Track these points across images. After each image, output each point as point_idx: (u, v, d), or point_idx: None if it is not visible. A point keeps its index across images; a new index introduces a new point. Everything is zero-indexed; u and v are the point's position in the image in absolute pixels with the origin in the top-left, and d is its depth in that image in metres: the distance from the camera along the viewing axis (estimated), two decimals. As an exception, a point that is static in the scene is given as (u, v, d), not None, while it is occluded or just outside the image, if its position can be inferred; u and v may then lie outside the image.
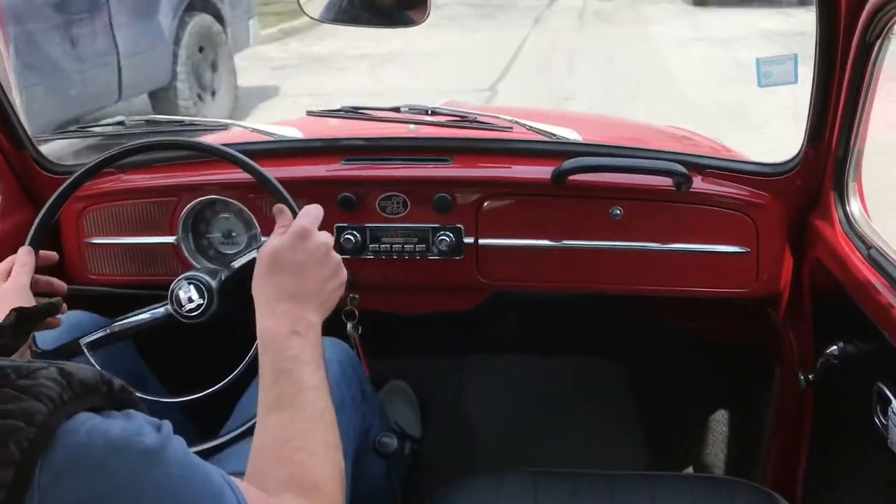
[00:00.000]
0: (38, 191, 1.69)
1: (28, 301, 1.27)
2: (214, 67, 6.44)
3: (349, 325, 1.70)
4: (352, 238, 1.61)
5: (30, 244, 1.34)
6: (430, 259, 1.64)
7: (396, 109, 1.70)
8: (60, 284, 1.36)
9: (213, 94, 6.46)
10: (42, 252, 1.35)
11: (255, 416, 1.24)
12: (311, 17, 1.47)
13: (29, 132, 1.68)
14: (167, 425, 0.75)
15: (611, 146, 1.70)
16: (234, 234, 1.68)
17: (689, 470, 1.97)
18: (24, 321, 1.12)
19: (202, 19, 6.24)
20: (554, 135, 1.67)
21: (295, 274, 1.08)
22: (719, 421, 1.92)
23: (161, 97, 5.97)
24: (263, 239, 1.32)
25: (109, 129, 1.68)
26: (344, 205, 1.60)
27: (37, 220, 1.36)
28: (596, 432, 2.12)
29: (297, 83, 7.79)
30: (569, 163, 1.54)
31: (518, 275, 1.64)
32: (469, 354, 2.31)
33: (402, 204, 1.62)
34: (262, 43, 9.30)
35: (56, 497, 0.65)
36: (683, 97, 6.52)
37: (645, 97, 6.74)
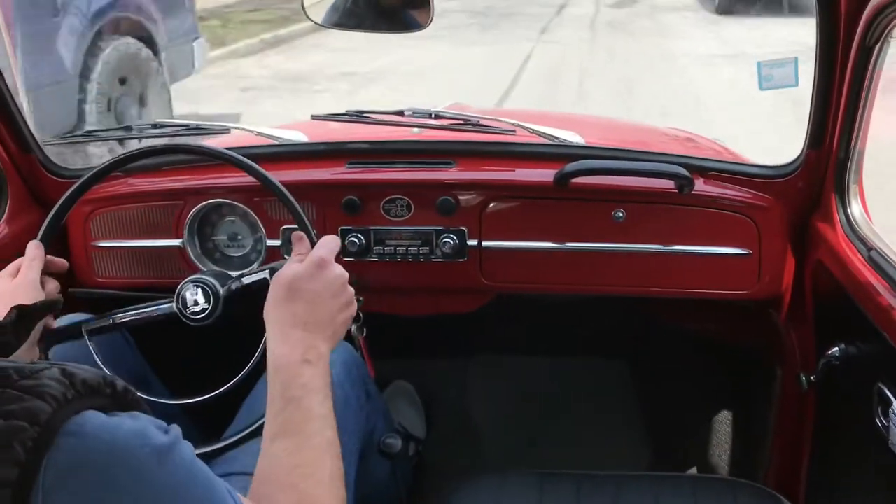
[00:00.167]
0: (45, 194, 1.70)
1: (37, 296, 1.28)
2: (143, 102, 5.12)
3: (353, 327, 1.71)
4: (356, 241, 1.62)
5: (40, 241, 1.35)
6: (434, 261, 1.65)
7: (400, 113, 1.71)
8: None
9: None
10: (52, 258, 1.37)
11: (260, 417, 1.26)
12: (315, 23, 1.48)
13: (36, 136, 1.70)
14: (176, 429, 0.75)
15: (613, 149, 1.70)
16: (239, 237, 1.69)
17: (693, 470, 1.97)
18: (25, 319, 1.13)
19: (124, 44, 4.87)
20: (557, 138, 1.68)
21: (310, 303, 1.10)
22: (722, 421, 1.92)
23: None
24: (282, 263, 1.33)
25: (116, 133, 1.69)
26: (348, 208, 1.61)
27: (47, 219, 1.38)
28: (599, 433, 2.13)
29: (262, 110, 6.71)
30: (571, 165, 1.54)
31: (521, 277, 1.65)
32: (473, 356, 2.32)
33: (406, 207, 1.63)
34: (241, 56, 9.06)
35: (61, 497, 0.65)
36: (724, 138, 4.95)
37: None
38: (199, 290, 1.37)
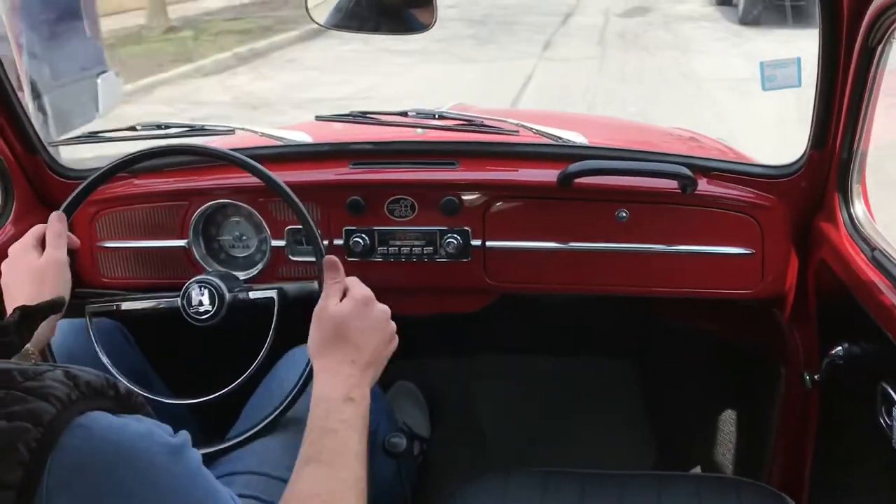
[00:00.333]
0: (50, 195, 1.71)
1: (66, 280, 1.30)
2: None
3: None
4: (360, 241, 1.63)
5: (63, 212, 1.37)
6: (438, 261, 1.65)
7: (404, 114, 1.71)
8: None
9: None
10: (70, 234, 1.38)
11: (265, 418, 1.26)
12: (318, 24, 1.48)
13: (42, 137, 1.71)
14: (184, 434, 0.75)
15: (616, 149, 1.71)
16: (244, 237, 1.69)
17: (696, 470, 1.97)
18: (28, 319, 1.13)
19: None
20: (560, 138, 1.68)
21: (358, 342, 1.14)
22: (725, 421, 1.92)
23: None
24: (297, 287, 1.36)
25: (121, 134, 1.70)
26: (352, 208, 1.62)
27: (74, 192, 1.39)
28: (603, 432, 2.13)
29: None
30: (575, 166, 1.55)
31: (525, 277, 1.66)
32: (477, 355, 2.32)
33: (410, 207, 1.63)
34: (206, 74, 8.45)
35: (64, 499, 0.65)
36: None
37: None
38: (206, 292, 1.38)
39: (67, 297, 1.30)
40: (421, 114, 1.72)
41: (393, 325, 1.22)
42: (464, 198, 1.61)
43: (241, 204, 1.65)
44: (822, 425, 1.56)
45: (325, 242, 1.58)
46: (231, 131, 1.78)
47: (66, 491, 0.65)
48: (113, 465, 0.67)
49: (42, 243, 1.33)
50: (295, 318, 1.38)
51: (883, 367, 1.23)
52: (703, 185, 1.57)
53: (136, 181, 1.71)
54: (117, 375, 1.35)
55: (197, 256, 1.67)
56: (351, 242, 1.63)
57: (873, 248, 1.33)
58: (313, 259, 1.59)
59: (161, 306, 1.43)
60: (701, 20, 10.71)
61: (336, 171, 1.67)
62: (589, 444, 2.09)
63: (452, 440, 2.15)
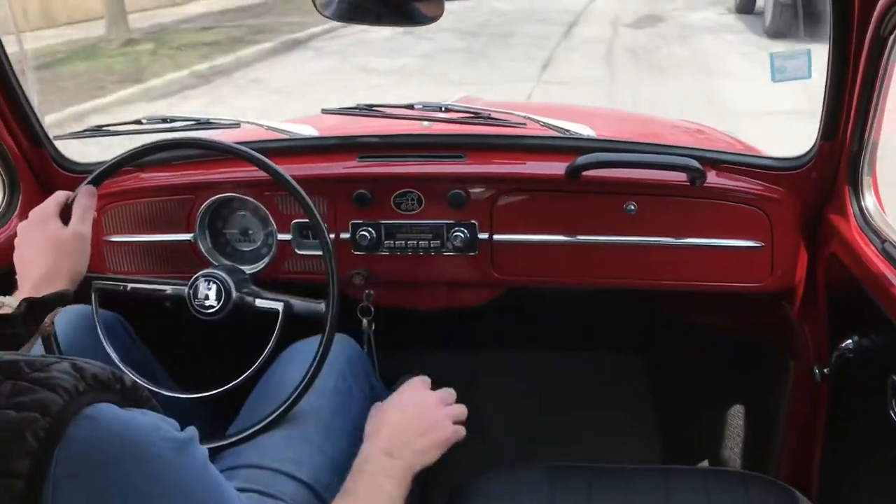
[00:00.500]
0: (56, 189, 1.70)
1: (87, 256, 1.28)
2: None
3: (364, 321, 1.72)
4: (367, 234, 1.63)
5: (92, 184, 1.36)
6: (445, 255, 1.65)
7: (410, 107, 1.71)
8: None
9: None
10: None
11: (269, 414, 1.27)
12: (325, 16, 1.48)
13: (47, 130, 1.71)
14: (192, 430, 0.75)
15: (625, 142, 1.70)
16: (250, 231, 1.69)
17: (705, 463, 1.97)
18: (36, 310, 1.13)
19: None
20: (567, 130, 1.67)
21: (414, 443, 1.25)
22: (734, 414, 1.92)
23: None
24: (303, 303, 1.37)
25: (127, 128, 1.70)
26: (359, 201, 1.61)
27: (103, 167, 1.39)
28: (611, 426, 2.13)
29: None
30: (583, 158, 1.54)
31: (532, 270, 1.65)
32: (484, 349, 2.32)
33: (417, 200, 1.63)
34: (153, 98, 7.46)
35: (71, 489, 0.65)
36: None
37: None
38: (214, 287, 1.38)
39: (84, 274, 1.29)
40: (428, 106, 1.71)
41: (443, 410, 1.33)
42: (471, 191, 1.61)
43: (247, 198, 1.65)
44: (832, 419, 1.55)
45: (332, 236, 1.58)
46: (237, 125, 1.78)
47: (72, 481, 0.65)
48: (119, 458, 0.67)
49: (62, 213, 1.30)
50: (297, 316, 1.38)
51: (893, 360, 1.22)
52: (712, 178, 1.56)
53: (143, 175, 1.71)
54: (122, 367, 1.35)
55: (203, 250, 1.67)
56: (357, 236, 1.63)
57: (884, 241, 1.32)
58: (319, 253, 1.60)
59: (168, 292, 1.43)
60: (722, 32, 9.36)
61: (342, 165, 1.67)
62: (596, 438, 2.09)
63: None
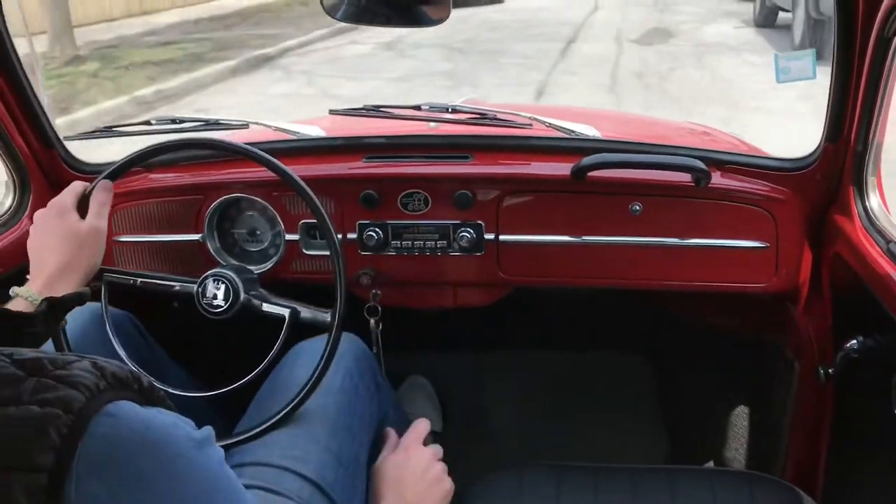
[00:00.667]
0: None
1: (102, 251, 1.30)
2: None
3: (371, 321, 1.73)
4: (374, 235, 1.64)
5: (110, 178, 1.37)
6: (452, 255, 1.65)
7: (417, 108, 1.72)
8: None
9: None
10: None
11: (276, 413, 1.28)
12: (333, 17, 1.49)
13: (58, 131, 1.72)
14: (208, 430, 0.76)
15: (630, 142, 1.70)
16: (258, 231, 1.70)
17: (710, 463, 1.97)
18: (56, 309, 1.15)
19: None
20: (573, 131, 1.68)
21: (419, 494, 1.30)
22: (739, 415, 1.92)
23: None
24: (310, 313, 1.39)
25: (136, 128, 1.71)
26: (366, 202, 1.62)
27: (119, 162, 1.40)
28: (616, 427, 2.13)
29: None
30: (588, 159, 1.54)
31: (538, 270, 1.66)
32: (490, 349, 2.33)
33: (424, 201, 1.64)
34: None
35: (92, 484, 0.66)
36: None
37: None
38: (222, 287, 1.39)
39: (98, 268, 1.31)
40: (434, 107, 1.72)
41: (439, 466, 1.36)
42: (477, 191, 1.61)
43: (255, 198, 1.66)
44: (837, 419, 1.55)
45: (339, 236, 1.59)
46: (245, 125, 1.79)
47: (94, 477, 0.66)
48: (140, 455, 0.68)
49: (80, 206, 1.31)
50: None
51: None
52: (717, 179, 1.57)
53: (151, 175, 1.72)
54: (132, 365, 1.36)
55: (211, 250, 1.68)
56: (364, 236, 1.64)
57: (888, 241, 1.32)
58: (327, 253, 1.61)
59: (176, 288, 1.44)
60: (743, 50, 8.14)
61: (349, 165, 1.68)
62: (602, 438, 2.09)
63: (465, 435, 2.16)
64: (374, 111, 1.75)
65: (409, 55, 9.23)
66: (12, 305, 1.19)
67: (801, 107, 5.48)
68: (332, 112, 1.79)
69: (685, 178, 1.55)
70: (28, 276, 1.27)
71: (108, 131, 1.74)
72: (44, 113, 1.66)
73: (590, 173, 1.55)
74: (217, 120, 1.74)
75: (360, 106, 1.77)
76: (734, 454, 1.92)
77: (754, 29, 9.84)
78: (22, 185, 1.68)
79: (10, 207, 1.68)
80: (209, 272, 1.42)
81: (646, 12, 12.16)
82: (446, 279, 1.72)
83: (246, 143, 1.44)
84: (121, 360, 1.38)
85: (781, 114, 5.64)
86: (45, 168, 1.71)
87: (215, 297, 1.40)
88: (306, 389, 1.29)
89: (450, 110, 1.71)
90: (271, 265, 1.68)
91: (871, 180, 1.44)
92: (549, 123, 1.69)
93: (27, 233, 1.33)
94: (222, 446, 0.80)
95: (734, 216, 1.57)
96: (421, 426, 1.42)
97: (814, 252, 1.58)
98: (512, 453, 2.09)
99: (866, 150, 1.41)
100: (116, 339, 1.41)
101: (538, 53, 8.90)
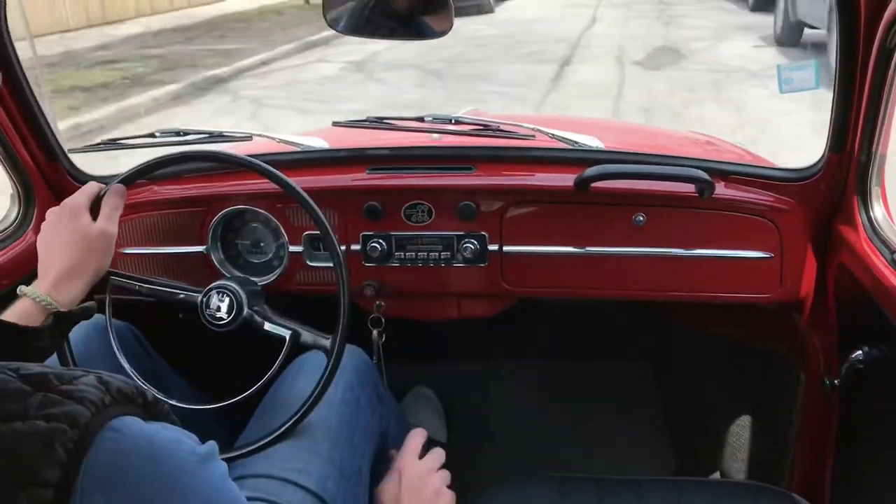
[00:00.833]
0: None
1: (111, 256, 1.30)
2: None
3: (375, 332, 1.73)
4: (378, 246, 1.64)
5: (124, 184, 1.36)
6: (455, 266, 1.65)
7: (420, 119, 1.72)
8: None
9: None
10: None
11: (280, 426, 1.27)
12: (335, 30, 1.49)
13: (62, 144, 1.73)
14: (212, 444, 0.76)
15: (633, 153, 1.70)
16: (262, 243, 1.70)
17: (716, 475, 1.96)
18: (62, 323, 1.15)
19: None
20: (576, 142, 1.68)
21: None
22: (745, 426, 1.91)
23: None
24: (312, 337, 1.38)
25: (140, 141, 1.72)
26: (370, 213, 1.63)
27: (131, 170, 1.40)
28: (621, 438, 2.13)
29: None
30: (592, 170, 1.54)
31: (542, 281, 1.66)
32: (494, 360, 2.33)
33: (427, 212, 1.64)
34: None
35: (97, 501, 0.66)
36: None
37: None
38: (226, 300, 1.39)
39: (105, 272, 1.31)
40: (437, 119, 1.73)
41: (438, 477, 1.36)
42: (480, 203, 1.62)
43: (259, 210, 1.66)
44: (843, 430, 1.55)
45: (343, 248, 1.59)
46: (249, 137, 1.80)
47: (99, 493, 0.66)
48: (144, 471, 0.68)
49: (92, 208, 1.31)
50: (306, 322, 1.39)
51: None
52: (721, 189, 1.57)
53: (156, 188, 1.73)
54: (135, 377, 1.36)
55: (215, 262, 1.68)
56: (368, 248, 1.64)
57: (893, 251, 1.32)
58: (330, 264, 1.61)
59: (181, 296, 1.44)
60: (767, 77, 6.41)
61: (353, 177, 1.68)
62: (606, 449, 2.08)
63: (469, 445, 2.15)
64: (378, 123, 1.75)
65: (379, 78, 8.16)
66: (18, 304, 1.19)
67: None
68: (335, 124, 1.80)
69: (689, 188, 1.55)
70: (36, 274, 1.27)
71: (113, 144, 1.74)
72: (48, 124, 1.67)
73: (593, 184, 1.55)
74: (221, 132, 1.74)
75: (364, 118, 1.77)
76: (740, 465, 1.92)
77: (777, 48, 8.75)
78: (26, 197, 1.69)
79: (15, 220, 1.68)
80: (214, 284, 1.42)
81: (649, 26, 11.27)
82: (450, 290, 1.72)
83: (250, 156, 1.45)
84: (124, 372, 1.38)
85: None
86: (50, 180, 1.72)
87: (219, 309, 1.40)
88: (307, 405, 1.29)
89: (453, 122, 1.71)
90: (275, 277, 1.68)
91: (875, 190, 1.44)
92: (553, 134, 1.69)
93: (32, 245, 1.33)
94: (224, 459, 0.80)
95: (738, 227, 1.56)
96: (414, 440, 1.40)
97: (818, 262, 1.58)
98: (516, 464, 2.08)
99: (870, 161, 1.41)
100: (120, 351, 1.41)
101: (527, 79, 7.74)
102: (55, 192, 1.73)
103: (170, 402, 1.33)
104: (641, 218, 1.58)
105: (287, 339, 1.37)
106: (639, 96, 6.94)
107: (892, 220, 1.44)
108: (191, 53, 10.07)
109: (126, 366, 1.40)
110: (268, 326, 1.40)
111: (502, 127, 1.70)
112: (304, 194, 1.36)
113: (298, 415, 1.28)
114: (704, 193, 1.53)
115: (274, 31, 11.60)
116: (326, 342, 1.33)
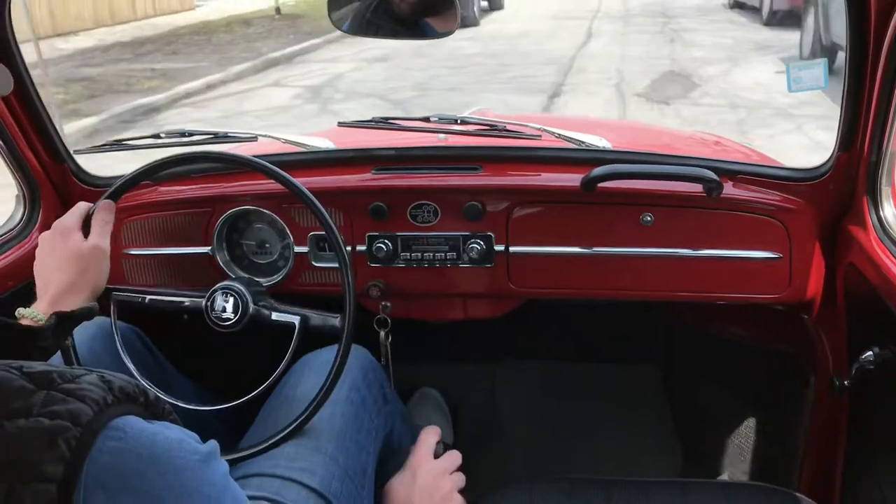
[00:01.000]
0: (76, 203, 1.72)
1: (106, 271, 1.31)
2: None
3: (381, 333, 1.72)
4: (384, 247, 1.63)
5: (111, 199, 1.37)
6: (461, 267, 1.65)
7: (426, 119, 1.71)
8: None
9: None
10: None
11: (285, 428, 1.27)
12: (340, 29, 1.49)
13: (67, 145, 1.73)
14: (213, 444, 0.77)
15: (640, 153, 1.70)
16: (267, 244, 1.70)
17: (724, 476, 1.96)
18: (65, 323, 1.16)
19: None
20: (583, 142, 1.68)
21: None
22: (753, 427, 1.90)
23: None
24: (320, 319, 1.39)
25: (146, 141, 1.72)
26: (376, 214, 1.62)
27: (119, 182, 1.40)
28: (629, 439, 2.12)
29: None
30: (598, 170, 1.54)
31: (549, 282, 1.65)
32: (501, 361, 2.32)
33: (433, 212, 1.63)
34: None
35: (99, 498, 0.67)
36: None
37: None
38: (231, 300, 1.39)
39: (103, 288, 1.32)
40: (443, 119, 1.72)
41: (450, 480, 1.37)
42: (487, 203, 1.61)
43: (264, 210, 1.66)
44: (853, 431, 1.54)
45: (348, 248, 1.59)
46: (254, 138, 1.80)
47: (101, 491, 0.67)
48: (146, 470, 0.69)
49: (83, 225, 1.32)
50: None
51: None
52: (729, 189, 1.56)
53: (161, 188, 1.73)
54: (140, 379, 1.36)
55: (220, 263, 1.68)
56: (374, 248, 1.63)
57: None
58: (336, 265, 1.60)
59: (186, 304, 1.44)
60: (800, 117, 5.58)
61: (359, 177, 1.67)
62: (614, 450, 2.08)
63: (476, 447, 2.15)
64: (384, 123, 1.75)
65: (333, 111, 6.98)
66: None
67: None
68: (340, 124, 1.79)
69: (697, 188, 1.54)
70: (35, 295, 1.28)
71: (118, 145, 1.74)
72: (54, 126, 1.67)
73: (600, 184, 1.54)
74: (226, 133, 1.74)
75: (370, 118, 1.77)
76: (749, 466, 1.91)
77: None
78: (32, 198, 1.69)
79: (21, 221, 1.69)
80: (218, 285, 1.42)
81: (652, 43, 9.77)
82: (456, 291, 1.71)
83: (255, 156, 1.44)
84: (129, 374, 1.38)
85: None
86: (56, 182, 1.72)
87: (224, 309, 1.40)
88: (314, 404, 1.28)
89: (459, 122, 1.71)
90: (280, 277, 1.68)
91: (885, 190, 1.43)
92: (559, 134, 1.68)
93: (37, 246, 1.33)
94: (229, 461, 0.81)
95: (746, 227, 1.55)
96: (430, 438, 1.41)
97: (827, 262, 1.57)
98: (522, 465, 2.08)
99: (880, 160, 1.40)
100: (126, 353, 1.41)
101: (509, 111, 6.01)
102: (60, 193, 1.73)
103: (172, 401, 1.34)
104: (649, 218, 1.57)
105: (297, 324, 1.37)
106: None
107: (902, 219, 1.42)
108: (130, 75, 9.14)
109: (131, 367, 1.40)
110: (276, 316, 1.41)
111: (508, 127, 1.69)
112: (310, 195, 1.36)
113: (306, 414, 1.28)
114: (713, 193, 1.52)
115: (236, 45, 10.55)
116: (335, 320, 1.34)
